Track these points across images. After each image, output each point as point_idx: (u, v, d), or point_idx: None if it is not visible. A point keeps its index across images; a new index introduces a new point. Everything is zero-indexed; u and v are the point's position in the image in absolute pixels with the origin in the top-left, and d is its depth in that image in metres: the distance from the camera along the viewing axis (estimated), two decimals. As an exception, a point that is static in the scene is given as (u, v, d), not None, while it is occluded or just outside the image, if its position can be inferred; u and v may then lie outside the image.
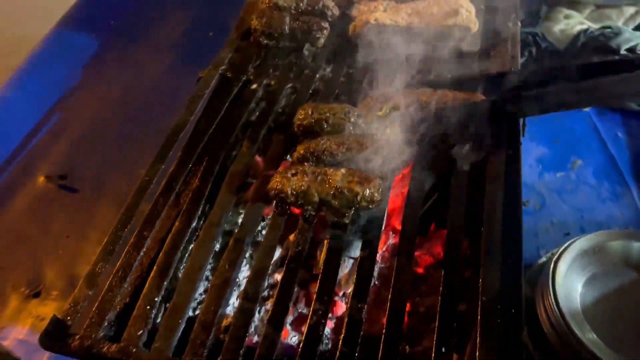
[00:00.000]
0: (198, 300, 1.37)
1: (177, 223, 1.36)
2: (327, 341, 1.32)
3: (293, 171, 1.32)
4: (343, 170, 1.30)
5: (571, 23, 2.34)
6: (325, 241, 1.35)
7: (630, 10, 2.31)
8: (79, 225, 2.01)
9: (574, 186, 1.96)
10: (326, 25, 1.75)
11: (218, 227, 1.34)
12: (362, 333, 1.15)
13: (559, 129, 2.13)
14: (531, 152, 2.04)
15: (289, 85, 1.67)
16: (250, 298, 1.21)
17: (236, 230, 1.35)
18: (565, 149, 2.07)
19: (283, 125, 1.56)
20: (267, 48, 1.77)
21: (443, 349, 1.11)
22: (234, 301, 1.39)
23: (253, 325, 1.25)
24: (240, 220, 1.50)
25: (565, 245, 1.47)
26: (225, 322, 1.33)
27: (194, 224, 1.37)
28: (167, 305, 1.28)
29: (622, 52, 2.10)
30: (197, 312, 1.35)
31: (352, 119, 1.42)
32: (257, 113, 1.64)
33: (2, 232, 2.02)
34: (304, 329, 1.21)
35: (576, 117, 2.16)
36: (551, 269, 1.42)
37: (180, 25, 2.79)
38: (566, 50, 2.22)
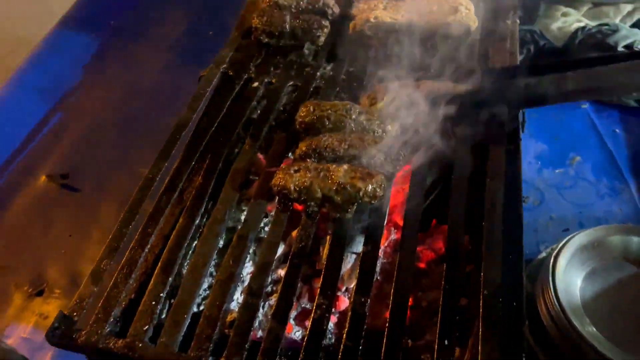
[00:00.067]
0: (202, 296, 1.39)
1: (181, 220, 1.37)
2: (330, 335, 1.33)
3: (296, 167, 1.33)
4: (345, 167, 1.31)
5: (569, 20, 2.36)
6: (328, 237, 1.37)
7: (628, 7, 2.33)
8: (81, 224, 2.02)
9: (573, 182, 1.98)
10: (326, 23, 1.76)
11: (222, 224, 1.35)
12: (365, 327, 1.16)
13: (558, 126, 2.14)
14: (530, 149, 2.06)
15: (290, 83, 1.68)
16: (255, 293, 1.22)
17: (239, 227, 1.36)
18: (564, 145, 2.09)
19: (285, 123, 1.57)
20: (268, 46, 1.78)
21: (446, 342, 1.12)
22: (237, 297, 1.40)
23: (257, 320, 1.26)
24: (243, 217, 1.52)
25: (565, 240, 1.49)
26: (229, 317, 1.34)
27: (198, 221, 1.38)
28: (172, 301, 1.29)
29: (620, 49, 2.12)
30: (201, 307, 1.36)
31: (354, 116, 1.43)
32: (259, 111, 1.65)
33: (4, 231, 2.03)
34: (308, 323, 1.22)
35: (574, 114, 2.18)
36: (551, 264, 1.43)
37: (180, 25, 2.80)
38: (564, 48, 2.24)
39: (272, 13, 1.77)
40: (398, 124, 1.43)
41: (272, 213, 1.40)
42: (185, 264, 1.39)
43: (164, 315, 1.29)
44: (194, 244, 1.41)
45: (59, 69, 2.58)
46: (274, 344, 1.14)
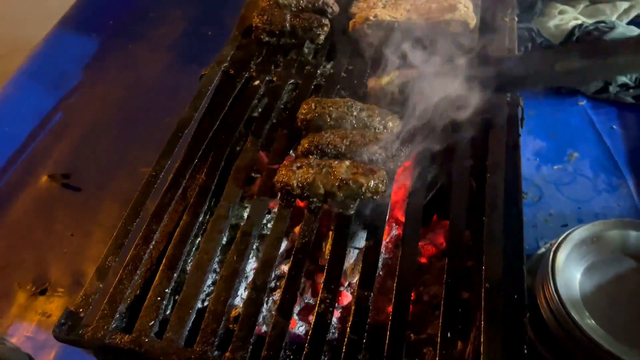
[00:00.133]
0: (206, 292, 1.40)
1: (185, 217, 1.38)
2: (333, 330, 1.34)
3: (298, 164, 1.34)
4: (347, 163, 1.33)
5: (565, 18, 2.38)
6: (330, 233, 1.38)
7: (624, 5, 2.35)
8: (83, 223, 2.03)
9: (571, 178, 1.99)
10: (326, 22, 1.77)
11: (225, 220, 1.37)
12: (368, 321, 1.17)
13: (556, 123, 2.16)
14: (529, 146, 2.08)
15: (291, 81, 1.70)
16: (259, 288, 1.23)
17: (242, 224, 1.37)
18: (562, 142, 2.11)
19: (286, 121, 1.59)
20: (269, 45, 1.80)
21: (448, 335, 1.13)
22: (241, 292, 1.42)
23: (261, 315, 1.27)
24: (245, 214, 1.53)
25: (564, 235, 1.50)
26: (234, 313, 1.36)
27: (201, 218, 1.40)
28: (176, 297, 1.31)
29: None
30: (205, 303, 1.37)
31: (355, 113, 1.45)
32: (260, 109, 1.67)
33: (7, 231, 2.04)
34: (311, 318, 1.24)
35: (572, 111, 2.20)
36: (550, 258, 1.45)
37: (179, 25, 2.81)
38: (561, 45, 2.26)
39: (273, 12, 1.78)
40: (399, 121, 1.44)
41: (275, 210, 1.42)
42: (189, 260, 1.41)
43: (168, 312, 1.31)
44: (197, 241, 1.43)
45: (59, 69, 2.59)
46: (279, 337, 1.15)
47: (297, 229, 1.49)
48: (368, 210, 1.35)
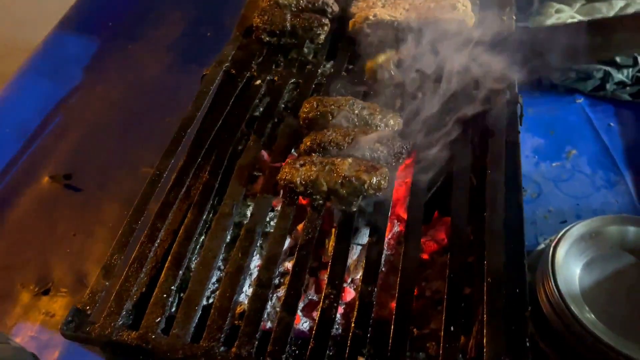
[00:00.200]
0: (211, 290, 1.41)
1: (189, 215, 1.40)
2: (336, 326, 1.35)
3: (301, 162, 1.36)
4: (350, 160, 1.34)
5: (562, 17, 2.40)
6: (333, 230, 1.40)
7: (620, 3, 2.36)
8: (85, 224, 2.03)
9: (570, 175, 2.01)
10: (326, 21, 1.79)
11: (230, 218, 1.38)
12: (372, 316, 1.19)
13: (554, 121, 2.18)
14: (527, 143, 2.10)
15: (292, 80, 1.71)
16: (264, 284, 1.24)
17: (247, 221, 1.39)
18: (560, 139, 2.13)
19: (288, 120, 1.60)
20: (269, 45, 1.81)
21: (451, 328, 1.15)
22: (246, 289, 1.43)
23: (265, 312, 1.28)
24: (248, 212, 1.55)
25: (564, 231, 1.51)
26: (239, 309, 1.37)
27: (205, 216, 1.41)
28: (182, 295, 1.32)
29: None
30: (210, 300, 1.39)
31: (357, 111, 1.46)
32: (262, 108, 1.68)
33: (9, 232, 2.04)
34: (315, 314, 1.25)
35: (570, 109, 2.22)
36: (550, 254, 1.46)
37: (178, 26, 2.82)
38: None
39: (273, 12, 1.80)
40: (400, 119, 1.46)
41: (278, 208, 1.43)
42: (194, 258, 1.42)
43: (174, 309, 1.32)
44: (201, 239, 1.44)
45: (59, 70, 2.60)
46: (285, 332, 1.17)
47: (299, 227, 1.51)
48: (370, 207, 1.36)
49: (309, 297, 1.45)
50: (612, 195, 1.94)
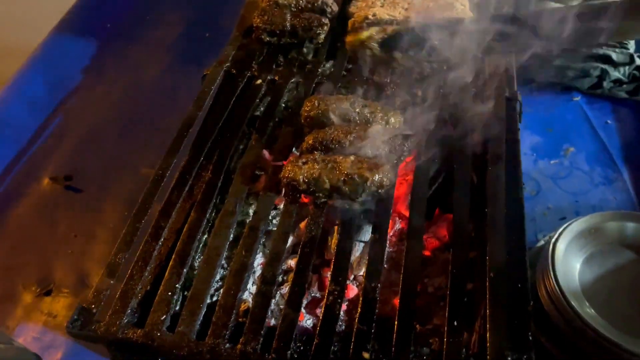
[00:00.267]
0: (215, 288, 1.42)
1: (192, 214, 1.40)
2: (340, 322, 1.36)
3: (304, 160, 1.37)
4: (352, 158, 1.35)
5: (559, 16, 2.41)
6: (336, 227, 1.41)
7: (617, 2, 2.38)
8: (86, 224, 2.04)
9: (568, 172, 2.03)
10: (326, 21, 1.80)
11: (233, 216, 1.39)
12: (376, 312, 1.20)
13: (551, 118, 2.20)
14: (525, 141, 2.10)
15: (292, 80, 1.72)
16: (268, 281, 1.25)
17: (250, 219, 1.40)
18: (558, 137, 2.14)
19: (289, 119, 1.61)
20: (269, 45, 1.82)
21: (455, 323, 1.16)
22: (249, 287, 1.44)
23: (269, 309, 1.29)
24: (250, 211, 1.56)
25: (563, 227, 1.53)
26: (243, 307, 1.38)
27: (208, 215, 1.42)
28: (186, 293, 1.33)
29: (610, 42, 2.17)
30: (214, 298, 1.40)
31: (358, 109, 1.47)
32: (263, 107, 1.69)
33: (10, 233, 2.04)
34: (318, 311, 1.26)
35: (567, 107, 2.23)
36: (550, 250, 1.47)
37: (177, 27, 2.83)
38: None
39: (273, 12, 1.81)
40: (401, 117, 1.47)
41: (280, 206, 1.44)
42: (197, 256, 1.43)
43: (178, 307, 1.33)
44: (204, 238, 1.45)
45: (58, 72, 2.60)
46: (289, 329, 1.18)
47: (302, 225, 1.52)
48: (372, 204, 1.37)
49: (312, 295, 1.46)
50: (610, 191, 1.96)
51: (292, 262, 1.46)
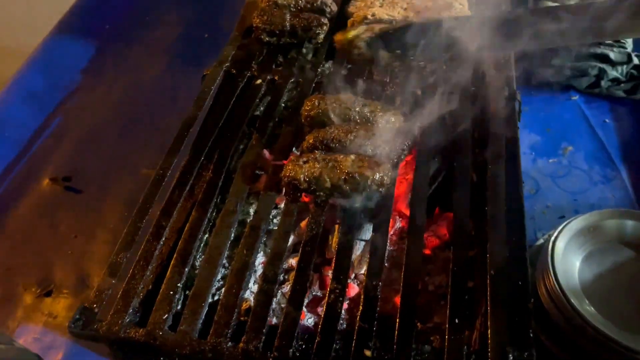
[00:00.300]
0: (216, 287, 1.42)
1: (193, 213, 1.41)
2: (341, 321, 1.36)
3: (305, 159, 1.37)
4: (353, 157, 1.36)
5: (556, 16, 2.42)
6: (337, 226, 1.41)
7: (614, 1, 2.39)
8: (86, 225, 2.03)
9: (567, 171, 2.03)
10: (325, 21, 1.80)
11: (234, 215, 1.39)
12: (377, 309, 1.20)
13: (550, 118, 2.20)
14: (524, 140, 2.11)
15: (292, 80, 1.72)
16: (270, 279, 1.26)
17: (249, 219, 1.40)
18: (556, 136, 2.15)
19: (289, 118, 1.61)
20: (269, 45, 1.83)
21: (456, 321, 1.16)
22: (250, 286, 1.44)
23: (271, 308, 1.29)
24: (251, 210, 1.56)
25: (562, 225, 1.53)
26: (244, 306, 1.38)
27: (209, 214, 1.42)
28: (187, 292, 1.33)
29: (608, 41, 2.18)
30: (216, 297, 1.40)
31: (358, 109, 1.48)
32: (263, 107, 1.70)
33: (10, 234, 2.04)
34: (320, 310, 1.26)
35: (565, 106, 2.24)
36: (550, 248, 1.48)
37: (175, 28, 2.82)
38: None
39: (272, 12, 1.81)
40: (401, 116, 1.48)
41: (281, 205, 1.44)
42: (198, 256, 1.43)
43: (179, 306, 1.33)
44: (205, 237, 1.45)
45: (57, 74, 2.59)
46: (291, 327, 1.18)
47: (303, 224, 1.52)
48: (373, 202, 1.38)
49: (313, 293, 1.46)
50: (609, 190, 1.97)
51: (293, 261, 1.47)
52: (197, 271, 1.36)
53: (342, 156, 1.36)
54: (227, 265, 1.45)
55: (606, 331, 1.33)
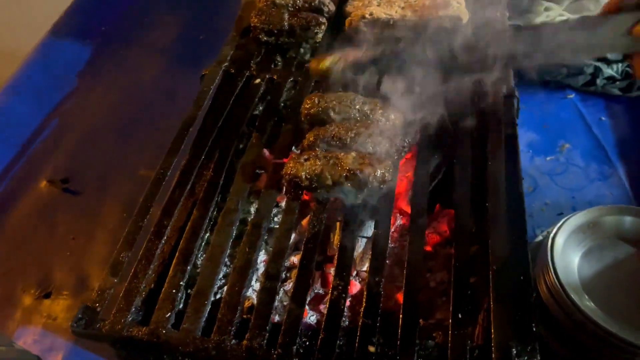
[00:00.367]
0: (218, 285, 1.42)
1: (194, 212, 1.41)
2: (344, 318, 1.37)
3: (306, 156, 1.38)
4: (354, 154, 1.36)
5: (551, 15, 2.43)
6: (338, 223, 1.42)
7: (607, 1, 2.40)
8: (84, 226, 2.03)
9: (564, 168, 2.04)
10: (324, 20, 1.81)
11: (236, 213, 1.39)
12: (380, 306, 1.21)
13: (546, 116, 2.21)
14: (521, 138, 2.06)
15: (291, 79, 1.73)
16: (272, 277, 1.26)
17: (252, 217, 1.40)
18: (553, 134, 2.16)
19: (288, 117, 1.62)
20: (267, 44, 1.83)
21: (459, 316, 1.16)
22: (253, 283, 1.44)
23: (273, 305, 1.29)
24: (252, 209, 1.56)
25: (561, 222, 1.53)
26: (247, 304, 1.38)
27: (210, 213, 1.42)
28: (189, 291, 1.33)
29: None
30: (218, 295, 1.40)
31: (358, 106, 1.48)
32: (263, 106, 1.70)
33: (8, 236, 2.03)
34: (322, 308, 1.26)
35: (562, 104, 2.25)
36: (549, 245, 1.48)
37: (172, 30, 2.82)
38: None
39: (270, 12, 1.82)
40: (401, 114, 1.48)
41: (282, 203, 1.44)
42: (200, 254, 1.43)
43: (182, 305, 1.33)
44: (207, 236, 1.45)
45: (54, 75, 2.59)
46: (295, 324, 1.18)
47: (304, 222, 1.53)
48: (375, 199, 1.38)
49: (315, 291, 1.46)
50: (606, 187, 1.98)
51: (295, 259, 1.47)
52: (199, 270, 1.36)
53: (342, 154, 1.36)
54: (229, 263, 1.45)
55: (606, 326, 1.33)
